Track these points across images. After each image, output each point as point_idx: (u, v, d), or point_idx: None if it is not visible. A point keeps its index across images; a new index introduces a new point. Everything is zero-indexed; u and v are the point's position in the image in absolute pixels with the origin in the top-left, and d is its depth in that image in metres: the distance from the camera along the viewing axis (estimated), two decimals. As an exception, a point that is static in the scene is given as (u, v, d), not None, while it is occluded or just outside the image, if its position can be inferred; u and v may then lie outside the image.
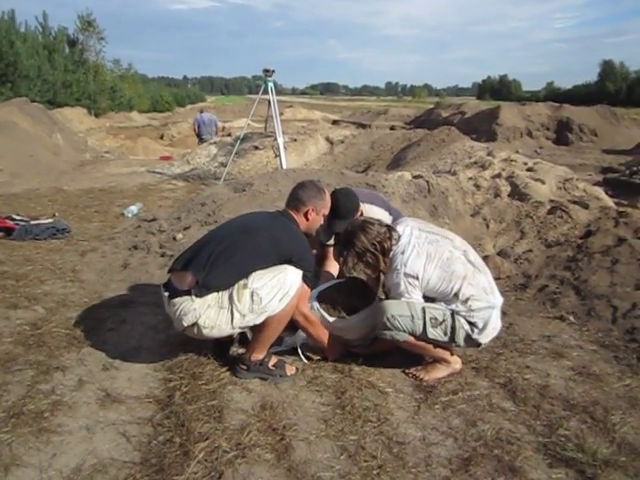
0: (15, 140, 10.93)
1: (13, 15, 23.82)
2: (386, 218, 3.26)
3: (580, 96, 42.88)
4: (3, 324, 3.19)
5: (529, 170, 6.63)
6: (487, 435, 2.24)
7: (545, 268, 4.42)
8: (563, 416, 2.38)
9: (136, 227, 5.39)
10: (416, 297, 2.63)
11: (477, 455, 2.11)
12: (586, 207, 5.55)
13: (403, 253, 2.64)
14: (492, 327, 2.63)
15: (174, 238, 4.84)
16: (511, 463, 2.07)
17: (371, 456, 2.09)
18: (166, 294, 2.56)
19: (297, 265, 2.56)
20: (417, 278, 2.60)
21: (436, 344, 2.67)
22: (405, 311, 2.58)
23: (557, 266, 4.37)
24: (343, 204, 3.12)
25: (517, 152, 9.45)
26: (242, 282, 2.48)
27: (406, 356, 2.84)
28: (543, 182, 6.15)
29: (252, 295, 2.45)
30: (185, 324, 2.48)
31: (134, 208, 6.64)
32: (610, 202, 6.06)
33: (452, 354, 2.75)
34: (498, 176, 6.48)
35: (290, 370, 2.71)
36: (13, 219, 5.38)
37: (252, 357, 2.65)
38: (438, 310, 2.60)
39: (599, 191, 6.23)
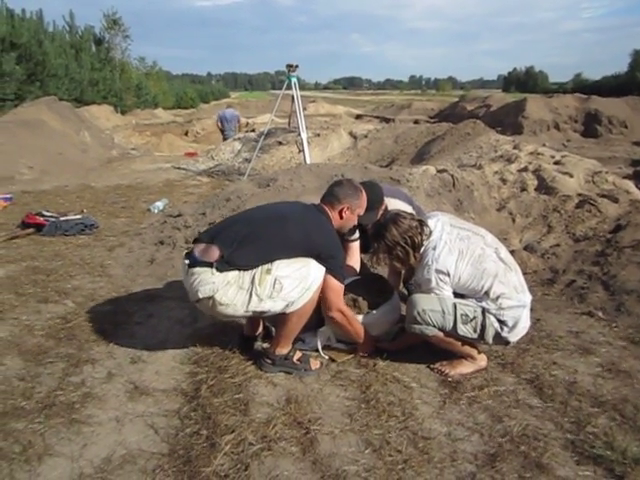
0: (44, 138, 11.15)
1: (41, 15, 24.33)
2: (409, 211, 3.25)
3: (609, 87, 41.82)
4: (35, 318, 3.27)
5: (556, 163, 6.51)
6: (513, 431, 2.22)
7: (573, 263, 4.34)
8: (591, 413, 2.34)
9: (162, 223, 5.46)
10: (447, 293, 2.61)
11: (503, 451, 2.09)
12: (616, 201, 5.43)
13: (435, 249, 2.62)
14: (522, 326, 2.61)
15: (200, 233, 4.88)
16: (538, 460, 2.05)
17: (396, 450, 2.09)
18: (186, 262, 2.53)
19: (324, 262, 2.54)
20: (448, 275, 2.58)
21: (464, 341, 2.66)
22: (436, 306, 2.57)
23: (585, 261, 4.29)
24: (367, 196, 3.11)
25: (544, 145, 9.29)
26: (266, 267, 2.46)
27: (431, 351, 2.82)
28: (571, 175, 6.03)
29: (274, 282, 2.44)
30: (200, 295, 2.44)
31: (160, 204, 6.72)
32: (641, 195, 5.91)
33: (479, 352, 2.74)
34: (525, 170, 6.37)
35: (315, 364, 2.73)
36: (43, 215, 5.50)
37: (277, 351, 2.67)
38: (469, 307, 2.58)
39: (629, 184, 6.08)
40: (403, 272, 3.47)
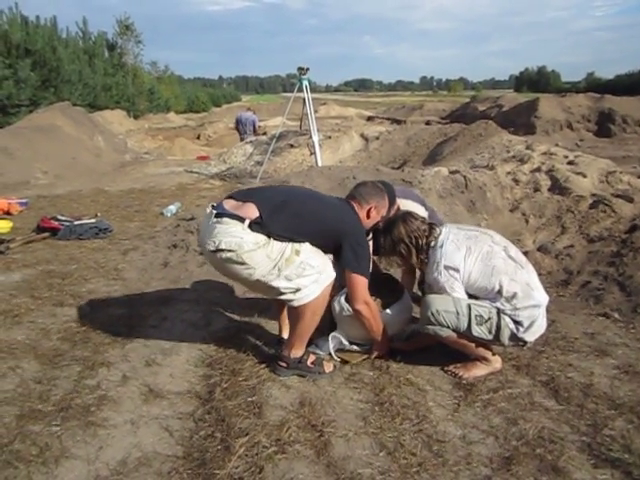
0: (58, 143, 11.27)
1: (55, 22, 24.55)
2: (422, 213, 3.26)
3: (623, 86, 41.35)
4: (50, 321, 3.31)
5: (570, 163, 6.45)
6: (529, 434, 2.20)
7: (587, 264, 4.30)
8: (608, 416, 2.32)
9: (175, 226, 5.50)
10: (458, 290, 2.60)
11: (519, 454, 2.08)
12: (631, 201, 5.36)
13: (442, 247, 2.65)
14: (538, 324, 2.59)
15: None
16: (554, 463, 2.03)
17: (410, 453, 2.09)
18: (213, 210, 2.49)
19: (352, 250, 2.54)
20: (457, 270, 2.58)
21: (478, 342, 2.64)
22: (450, 307, 2.56)
23: (600, 262, 4.25)
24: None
25: (557, 145, 9.22)
26: (296, 247, 2.46)
27: (445, 353, 2.81)
28: (585, 175, 5.97)
29: (300, 264, 2.45)
30: (224, 246, 2.36)
31: (173, 208, 6.76)
32: (656, 195, 5.84)
33: (493, 353, 2.72)
34: (538, 170, 6.32)
35: (328, 367, 2.72)
36: (58, 219, 5.56)
37: (291, 354, 2.67)
38: (484, 308, 2.57)
39: (644, 184, 6.00)
40: (418, 274, 3.48)
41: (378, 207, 2.81)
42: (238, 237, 2.36)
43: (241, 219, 2.39)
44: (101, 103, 25.22)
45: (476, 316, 2.54)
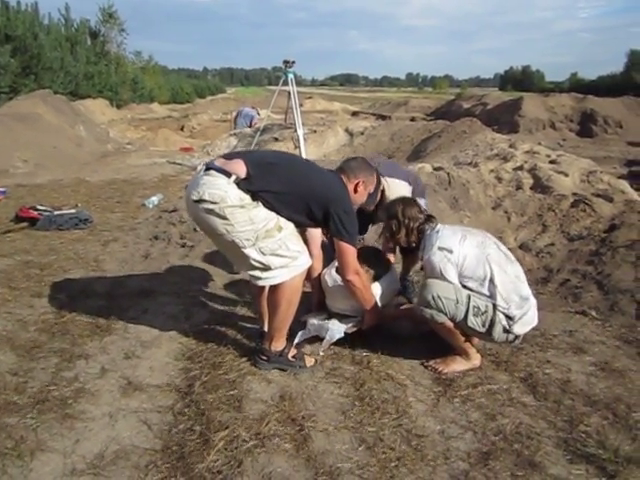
0: (39, 131, 11.08)
1: (36, 8, 24.09)
2: (407, 190, 3.31)
3: (605, 87, 41.87)
4: (28, 312, 3.25)
5: (552, 162, 6.53)
6: (506, 429, 2.22)
7: (567, 262, 4.36)
8: (584, 412, 2.35)
9: (157, 218, 5.45)
10: (451, 273, 2.60)
11: (496, 449, 2.10)
12: (610, 200, 5.45)
13: (438, 232, 2.72)
14: (529, 317, 2.61)
15: (195, 229, 4.87)
16: (531, 458, 2.05)
17: (389, 448, 2.10)
18: (204, 167, 2.49)
19: (338, 217, 2.51)
20: (451, 252, 2.60)
21: (467, 336, 2.68)
22: (451, 294, 2.57)
23: (579, 260, 4.31)
24: None
25: (540, 144, 9.30)
26: (281, 224, 2.46)
27: (425, 348, 2.84)
28: (566, 175, 6.05)
29: (279, 242, 2.44)
30: (207, 197, 2.36)
31: (155, 199, 6.69)
32: (635, 195, 5.93)
33: (475, 350, 2.76)
34: (520, 168, 6.39)
35: (309, 361, 2.72)
36: (37, 209, 5.47)
37: (272, 347, 2.66)
38: (482, 300, 2.58)
39: (624, 184, 6.10)
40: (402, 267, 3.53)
41: (366, 182, 2.82)
42: (222, 190, 2.36)
43: (228, 174, 2.39)
44: (83, 92, 24.84)
45: (474, 307, 2.56)
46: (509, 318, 2.57)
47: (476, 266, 2.60)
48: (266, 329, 2.85)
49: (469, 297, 2.57)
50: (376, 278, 2.97)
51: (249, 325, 3.17)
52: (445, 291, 2.58)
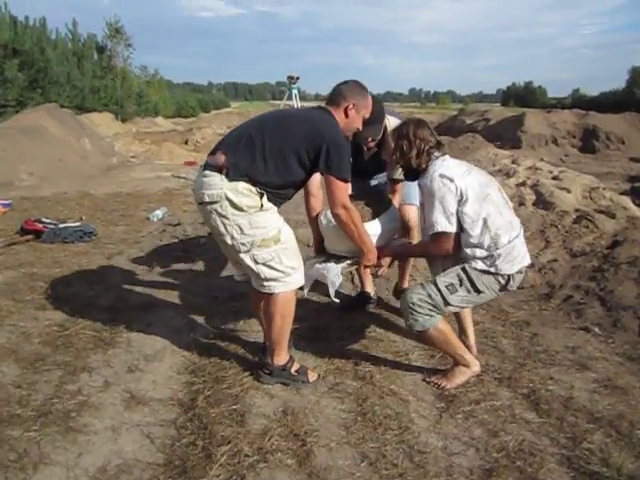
0: (45, 144, 11.15)
1: (44, 23, 24.37)
2: None
3: (607, 103, 41.99)
4: (32, 325, 3.27)
5: (554, 178, 6.55)
6: (509, 446, 2.22)
7: (570, 278, 4.35)
8: (587, 429, 2.35)
9: (161, 231, 5.48)
10: (449, 200, 2.53)
11: (499, 466, 2.09)
12: (613, 217, 5.45)
13: (444, 161, 2.67)
14: (518, 255, 2.58)
15: (198, 243, 4.90)
16: (534, 475, 2.05)
17: (392, 464, 2.09)
18: (202, 166, 2.52)
19: (329, 154, 2.45)
20: (452, 180, 2.55)
21: (457, 344, 2.68)
22: (421, 292, 2.56)
23: (582, 276, 4.31)
24: (373, 108, 2.88)
25: (542, 160, 9.34)
26: (280, 236, 2.46)
27: (428, 364, 2.84)
28: (569, 191, 6.06)
29: (273, 254, 2.44)
30: (207, 199, 2.40)
31: (159, 212, 6.72)
32: (638, 212, 5.93)
33: (472, 356, 2.76)
34: (523, 184, 6.41)
35: (312, 376, 2.72)
36: (42, 222, 5.50)
37: (274, 361, 2.66)
38: (449, 274, 2.58)
39: (626, 200, 6.11)
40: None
41: (358, 105, 2.66)
42: (218, 188, 2.38)
43: (219, 169, 2.40)
44: (89, 105, 25.03)
45: (446, 287, 2.55)
46: (490, 257, 2.53)
47: (473, 202, 2.54)
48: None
49: (435, 282, 2.57)
50: (375, 216, 2.89)
51: (252, 339, 3.18)
52: (415, 294, 2.57)
